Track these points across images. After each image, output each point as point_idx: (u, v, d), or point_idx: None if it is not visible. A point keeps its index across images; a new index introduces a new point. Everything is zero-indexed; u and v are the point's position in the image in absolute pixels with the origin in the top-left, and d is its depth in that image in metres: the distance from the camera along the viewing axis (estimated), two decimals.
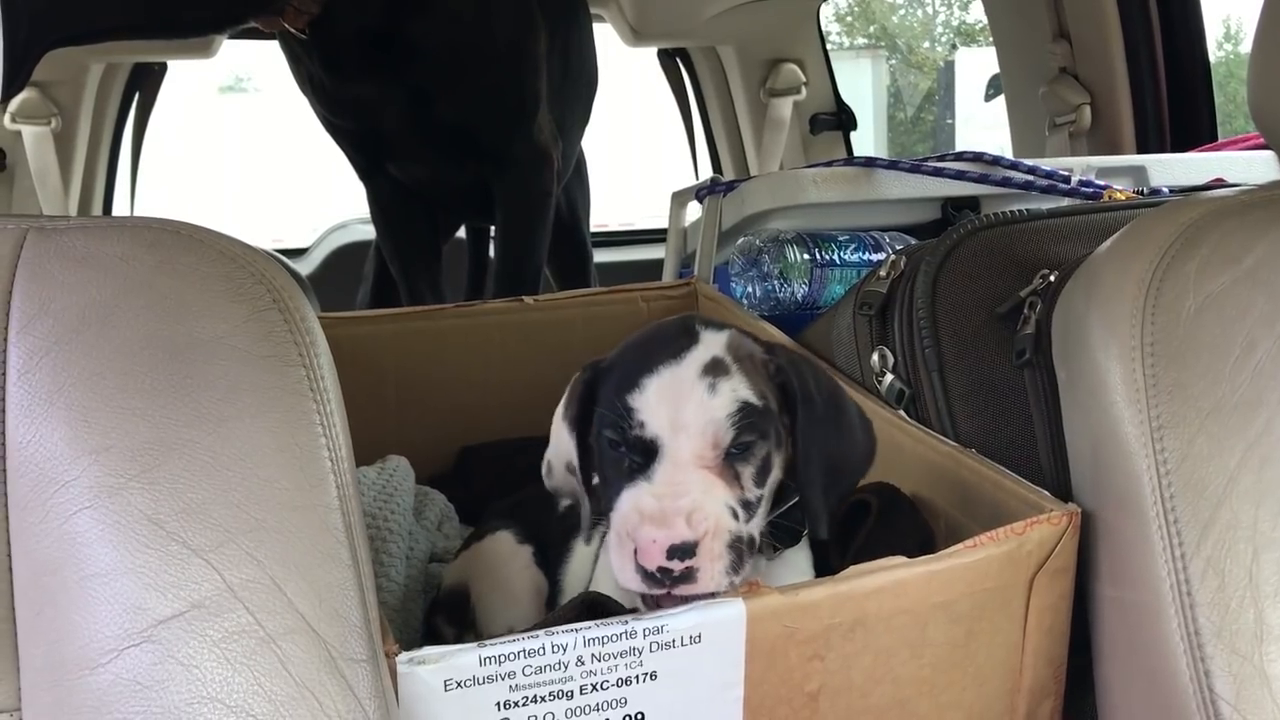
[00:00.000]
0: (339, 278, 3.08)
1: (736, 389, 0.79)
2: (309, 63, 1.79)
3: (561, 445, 0.86)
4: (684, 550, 0.74)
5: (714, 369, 0.79)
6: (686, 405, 0.78)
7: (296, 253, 3.42)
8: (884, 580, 0.77)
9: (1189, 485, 0.77)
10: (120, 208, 3.25)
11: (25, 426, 0.65)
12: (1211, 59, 2.04)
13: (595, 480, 0.84)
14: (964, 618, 0.80)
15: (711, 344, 0.81)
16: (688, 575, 0.75)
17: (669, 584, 0.75)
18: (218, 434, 0.66)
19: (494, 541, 1.06)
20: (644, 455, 0.78)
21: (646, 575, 0.75)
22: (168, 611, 0.63)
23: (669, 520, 0.75)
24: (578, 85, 2.06)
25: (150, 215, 0.75)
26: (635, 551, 0.75)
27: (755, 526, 0.80)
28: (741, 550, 0.77)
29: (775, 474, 0.82)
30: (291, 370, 0.69)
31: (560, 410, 0.87)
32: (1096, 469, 0.84)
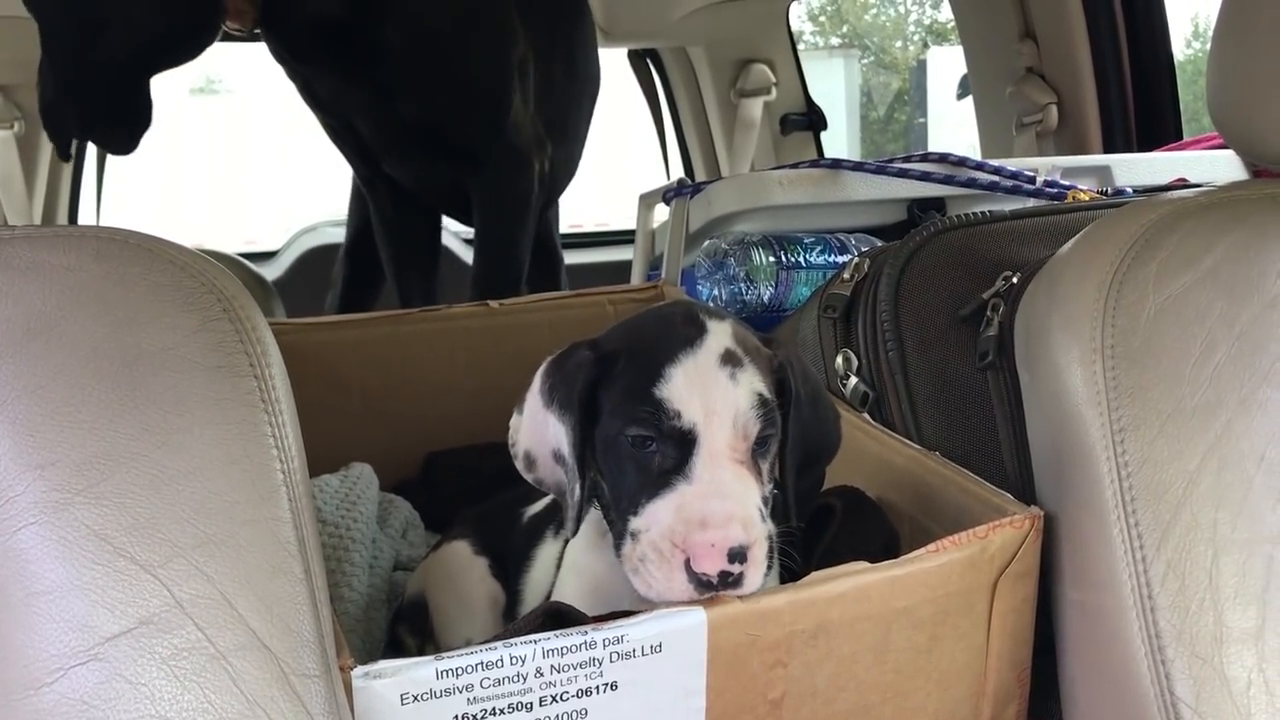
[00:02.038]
0: (309, 280, 3.06)
1: (753, 380, 0.78)
2: (285, 63, 1.78)
3: (548, 434, 0.81)
4: (741, 554, 0.73)
5: (730, 359, 0.78)
6: (713, 392, 0.76)
7: (267, 255, 3.40)
8: (846, 586, 0.77)
9: (1149, 488, 0.77)
10: (86, 212, 3.22)
11: None
12: (1180, 57, 2.06)
13: (599, 482, 0.81)
14: (927, 622, 0.80)
15: (720, 333, 0.79)
16: (739, 580, 0.73)
17: (721, 589, 0.73)
18: (166, 447, 0.65)
19: (451, 552, 1.04)
20: (679, 449, 0.75)
21: (700, 583, 0.73)
22: (115, 629, 0.62)
23: (721, 522, 0.73)
24: (582, 85, 2.06)
25: (115, 220, 0.74)
26: (687, 561, 0.73)
27: (771, 522, 0.78)
28: (773, 548, 0.76)
29: (776, 463, 0.81)
30: (242, 381, 0.68)
31: (541, 395, 0.83)
32: (1058, 472, 0.84)
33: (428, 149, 1.82)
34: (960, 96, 2.67)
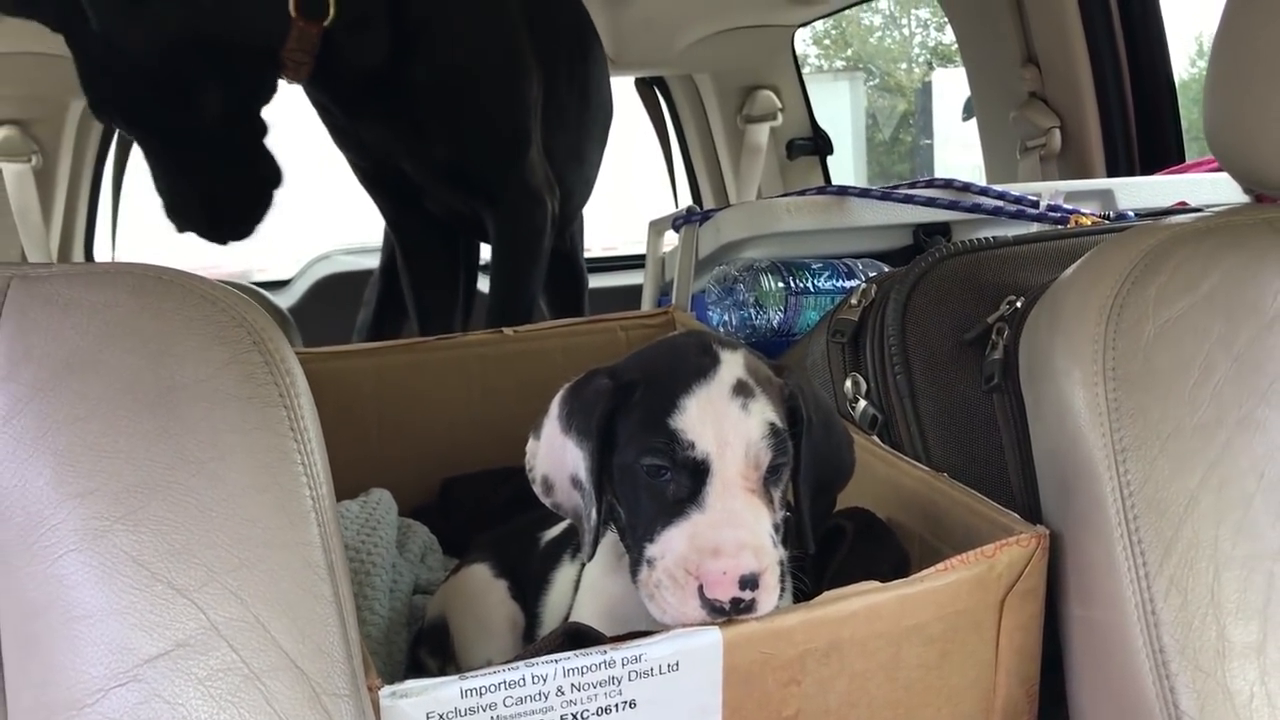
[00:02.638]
0: (323, 309, 3.09)
1: (764, 411, 0.80)
2: (324, 110, 1.85)
3: (566, 459, 0.83)
4: (753, 581, 0.75)
5: (742, 390, 0.80)
6: (725, 423, 0.78)
7: (279, 284, 3.43)
8: (858, 605, 0.79)
9: (1152, 506, 0.79)
10: (102, 243, 3.26)
11: (11, 471, 0.66)
12: (1185, 76, 2.08)
13: (616, 507, 0.83)
14: (937, 640, 0.82)
15: (732, 364, 0.81)
16: (751, 606, 0.76)
17: (734, 614, 0.76)
18: (201, 475, 0.67)
19: (470, 575, 1.07)
20: (692, 478, 0.78)
21: (713, 609, 0.75)
22: (153, 651, 0.64)
23: (733, 550, 0.75)
24: (596, 114, 2.12)
25: (130, 249, 0.77)
26: (700, 587, 0.75)
27: (783, 547, 0.80)
28: (784, 572, 0.78)
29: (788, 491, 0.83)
30: (272, 411, 0.71)
31: (559, 421, 0.85)
32: (1063, 491, 0.86)
33: (454, 186, 1.88)
34: (965, 118, 2.70)
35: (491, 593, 1.03)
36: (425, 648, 1.07)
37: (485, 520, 1.29)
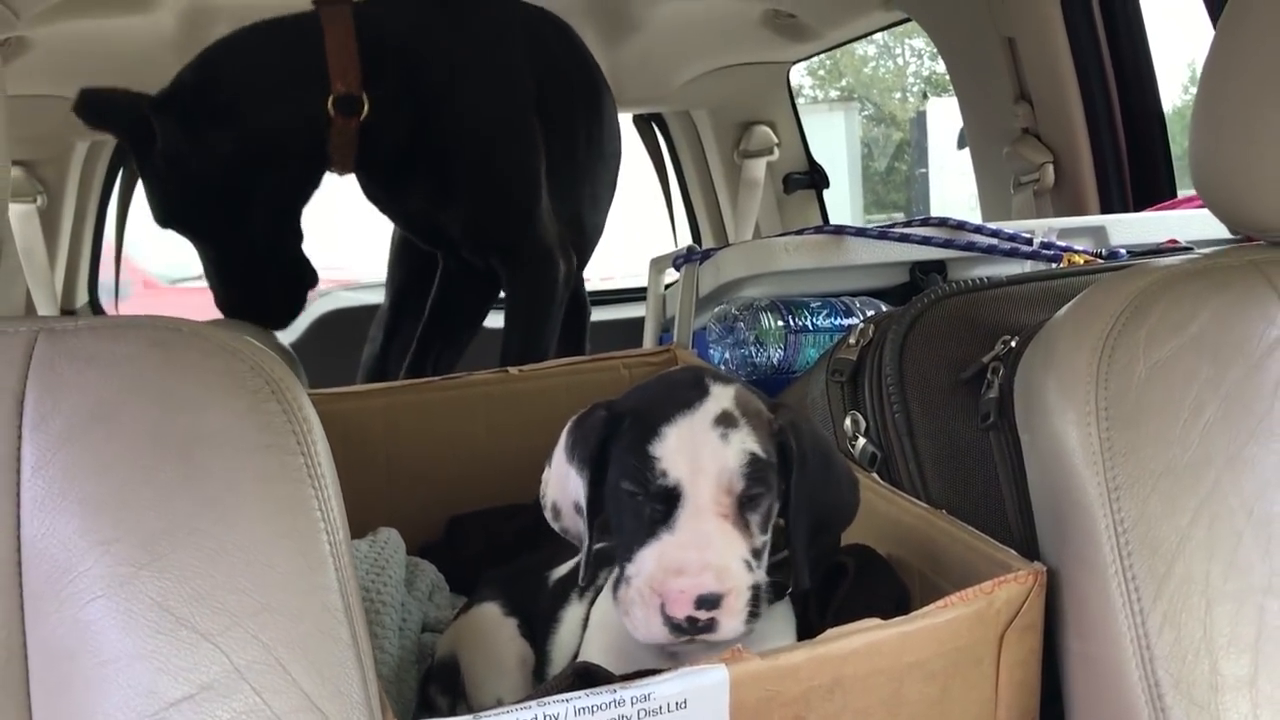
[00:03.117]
0: (324, 346, 3.12)
1: (745, 440, 0.83)
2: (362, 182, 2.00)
3: (569, 486, 0.88)
4: (710, 601, 0.79)
5: (725, 420, 0.83)
6: (703, 451, 0.82)
7: None
8: (860, 642, 0.81)
9: (1145, 543, 0.81)
10: (105, 280, 3.29)
11: (39, 520, 0.69)
12: (1177, 103, 2.12)
13: (604, 529, 0.87)
14: (938, 675, 0.84)
15: (721, 397, 0.85)
16: (711, 625, 0.79)
17: (694, 633, 0.79)
18: (223, 522, 0.70)
19: (481, 613, 1.09)
20: (666, 503, 0.81)
21: (674, 627, 0.79)
22: (178, 694, 0.66)
23: (695, 571, 0.79)
24: (609, 163, 2.19)
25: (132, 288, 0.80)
26: (662, 604, 0.79)
27: (763, 573, 0.84)
28: (759, 597, 0.82)
29: (774, 522, 0.86)
30: (290, 459, 0.73)
31: (564, 450, 0.89)
32: (1059, 528, 0.89)
33: (469, 246, 1.99)
34: (961, 147, 2.73)
35: (502, 631, 1.05)
36: (436, 685, 1.08)
37: (492, 558, 1.31)
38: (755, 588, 0.81)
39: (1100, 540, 0.83)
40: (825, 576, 1.00)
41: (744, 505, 0.83)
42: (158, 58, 2.52)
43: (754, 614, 0.81)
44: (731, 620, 0.80)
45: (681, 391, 0.85)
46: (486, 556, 1.32)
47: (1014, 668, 0.87)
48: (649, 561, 0.81)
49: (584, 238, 2.11)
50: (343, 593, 0.72)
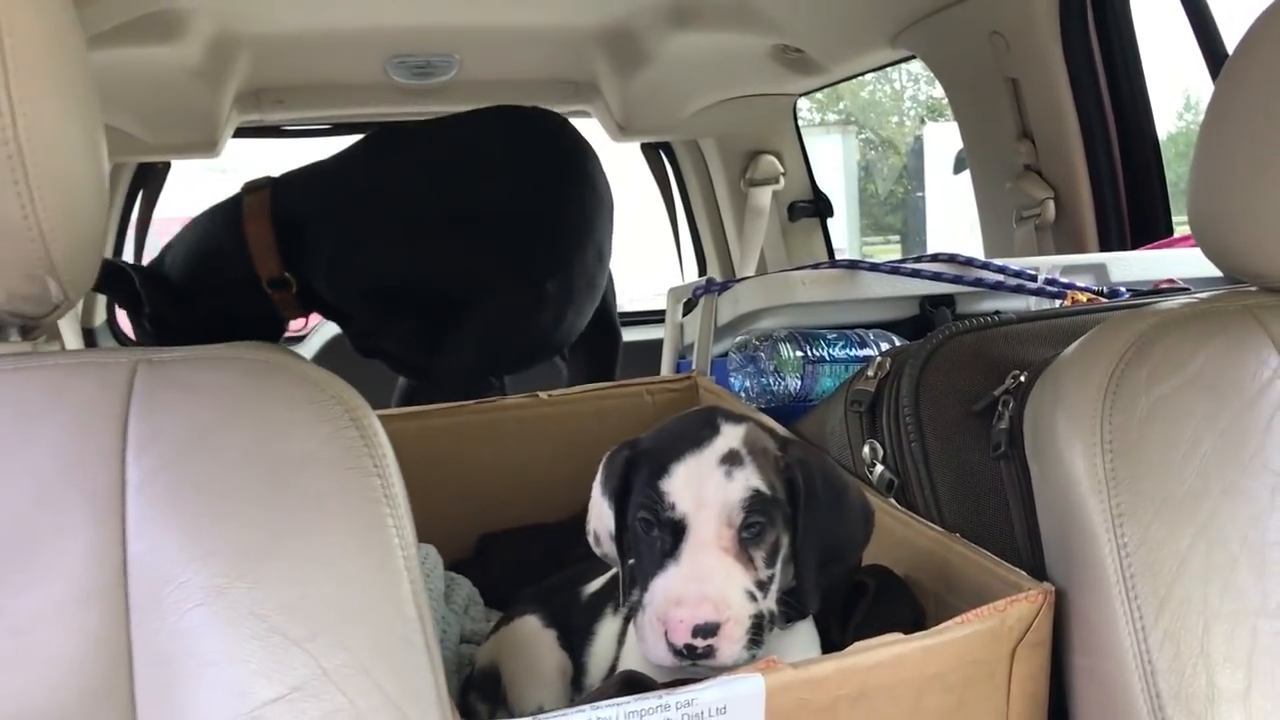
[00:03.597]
0: (333, 366, 3.17)
1: (749, 478, 0.90)
2: None
3: (604, 517, 0.96)
4: (707, 629, 0.86)
5: (730, 459, 0.91)
6: (707, 487, 0.89)
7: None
8: (885, 655, 0.88)
9: (1147, 567, 0.88)
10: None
11: (144, 535, 0.75)
12: (1172, 129, 2.19)
13: (630, 558, 0.95)
14: (955, 687, 0.91)
15: (730, 436, 0.93)
16: (709, 652, 0.86)
17: (694, 659, 0.86)
18: (310, 537, 0.76)
19: (522, 625, 1.15)
20: (673, 535, 0.89)
21: (675, 651, 0.86)
22: (271, 695, 0.72)
23: (694, 601, 0.86)
24: (594, 216, 2.22)
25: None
26: (665, 631, 0.86)
27: (771, 601, 0.91)
28: (761, 625, 0.88)
29: (784, 554, 0.93)
30: (368, 480, 0.80)
31: (599, 485, 0.98)
32: (1066, 551, 0.95)
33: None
34: (957, 171, 2.80)
35: (542, 642, 1.12)
36: (476, 693, 1.15)
37: (520, 574, 1.37)
38: (758, 617, 0.88)
39: (1105, 563, 0.89)
40: (846, 594, 1.07)
41: (746, 539, 0.90)
42: (183, 86, 2.61)
43: (755, 641, 0.88)
44: (729, 647, 0.87)
45: (694, 430, 0.93)
46: (516, 573, 1.38)
47: (1025, 680, 0.94)
48: (658, 591, 0.88)
49: (599, 282, 2.20)
50: (416, 603, 0.78)
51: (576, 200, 2.10)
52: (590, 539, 0.99)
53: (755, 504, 0.90)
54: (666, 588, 0.88)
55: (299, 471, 0.78)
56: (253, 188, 2.10)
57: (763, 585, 0.90)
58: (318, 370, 0.83)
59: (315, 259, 2.06)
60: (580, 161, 2.14)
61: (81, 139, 0.79)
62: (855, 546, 0.99)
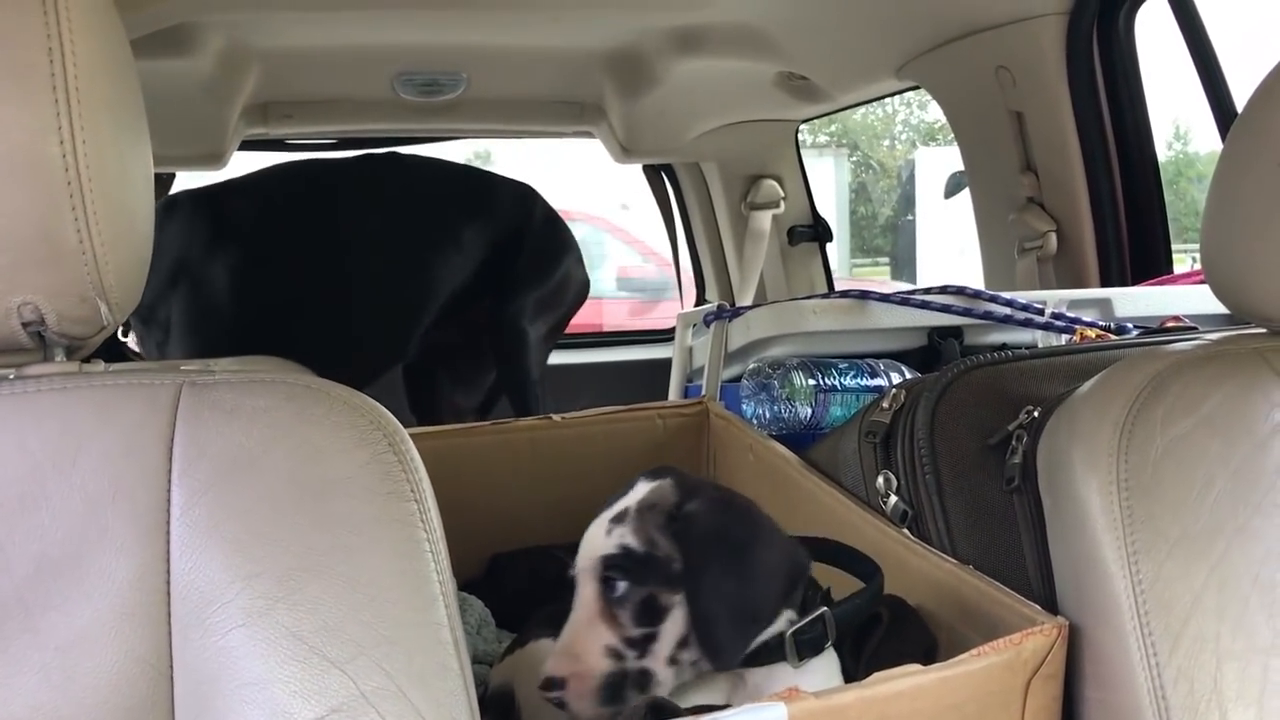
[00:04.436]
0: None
1: (622, 535, 0.94)
2: None
3: None
4: (554, 683, 0.91)
5: (618, 517, 0.95)
6: (590, 545, 0.95)
7: None
8: (904, 685, 0.89)
9: (1161, 603, 0.90)
10: None
11: (187, 556, 0.77)
12: (1162, 158, 2.23)
13: None
14: (972, 718, 0.92)
15: (634, 495, 0.97)
16: (560, 702, 0.91)
17: (558, 706, 0.92)
18: (350, 561, 0.78)
19: (538, 648, 1.17)
20: (573, 589, 0.96)
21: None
22: (310, 716, 0.74)
23: (556, 654, 0.93)
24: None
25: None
26: None
27: (652, 660, 0.92)
28: (622, 684, 0.91)
29: (674, 613, 0.93)
30: (405, 505, 0.82)
31: None
32: (1080, 587, 0.97)
33: None
34: (948, 196, 2.84)
35: None
36: (490, 714, 1.16)
37: (531, 595, 1.38)
38: (616, 675, 0.91)
39: (1120, 599, 0.92)
40: (861, 625, 1.09)
41: (611, 598, 0.92)
42: (192, 99, 2.62)
43: (611, 699, 0.90)
44: (576, 702, 0.91)
45: (619, 492, 0.98)
46: (528, 594, 1.40)
47: (1038, 712, 0.95)
48: None
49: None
50: (451, 627, 0.80)
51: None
52: None
53: (616, 560, 0.93)
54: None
55: (339, 495, 0.80)
56: None
57: (633, 643, 0.92)
58: (357, 395, 0.85)
59: None
60: None
61: (135, 165, 0.81)
62: (769, 602, 0.96)
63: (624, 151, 3.11)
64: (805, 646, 0.96)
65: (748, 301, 3.27)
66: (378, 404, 0.86)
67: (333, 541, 0.78)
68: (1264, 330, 1.05)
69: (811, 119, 3.19)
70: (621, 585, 0.92)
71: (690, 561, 0.93)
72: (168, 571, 0.77)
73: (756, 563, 0.96)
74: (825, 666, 0.99)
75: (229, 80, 2.62)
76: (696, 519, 0.95)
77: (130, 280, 0.81)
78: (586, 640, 0.91)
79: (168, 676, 0.76)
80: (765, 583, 0.96)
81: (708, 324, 1.68)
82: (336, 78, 2.78)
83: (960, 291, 1.62)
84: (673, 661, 0.93)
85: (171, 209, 2.46)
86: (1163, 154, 2.26)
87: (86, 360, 0.86)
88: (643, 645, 0.92)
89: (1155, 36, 2.01)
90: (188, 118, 2.75)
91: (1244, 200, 1.01)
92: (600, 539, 0.94)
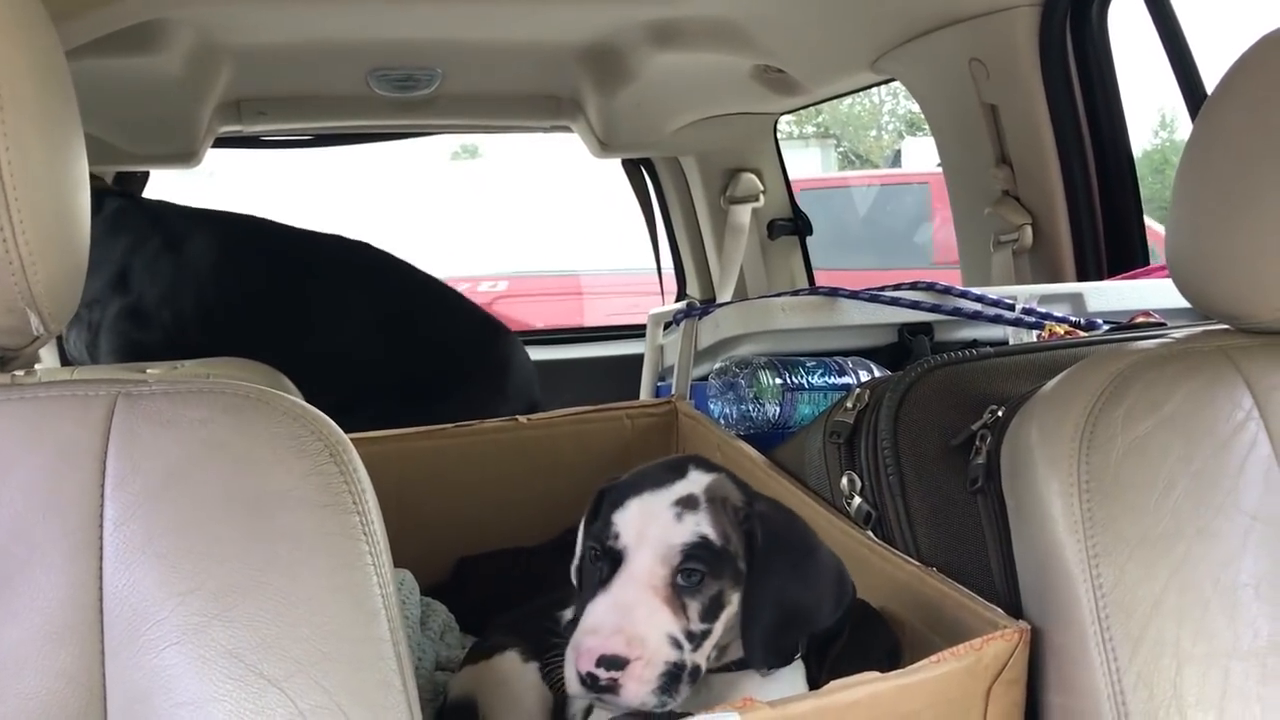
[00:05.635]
0: None
1: (699, 523, 0.90)
2: None
3: (576, 548, 0.98)
4: (612, 662, 0.85)
5: (686, 502, 0.91)
6: (652, 524, 0.90)
7: None
8: (860, 694, 0.88)
9: (1121, 607, 0.89)
10: None
11: (121, 572, 0.75)
12: (1147, 145, 2.22)
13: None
14: None
15: (695, 482, 0.93)
16: (612, 686, 0.85)
17: (596, 691, 0.85)
18: (288, 576, 0.76)
19: (502, 660, 1.15)
20: (611, 566, 0.89)
21: (580, 679, 0.86)
22: None
23: (608, 632, 0.86)
24: None
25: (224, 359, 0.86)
26: (576, 657, 0.86)
27: (701, 656, 0.90)
28: (679, 676, 0.87)
29: (730, 611, 0.91)
30: (347, 517, 0.80)
31: (583, 519, 0.98)
32: (1042, 590, 0.96)
33: None
34: None
35: (524, 676, 1.12)
36: None
37: (498, 599, 1.37)
38: (676, 666, 0.87)
39: (1081, 603, 0.90)
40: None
41: (683, 585, 0.89)
42: (164, 96, 2.59)
43: (668, 691, 0.86)
44: (636, 687, 0.85)
45: (663, 473, 0.94)
46: (494, 598, 1.38)
47: (999, 718, 0.94)
48: (582, 618, 0.89)
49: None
50: (394, 642, 0.78)
51: None
52: (573, 573, 1.00)
53: (697, 550, 0.89)
54: (589, 614, 0.88)
55: (277, 508, 0.78)
56: None
57: (692, 636, 0.89)
58: (298, 404, 0.83)
59: None
60: None
61: (65, 172, 0.79)
62: (822, 613, 0.96)
63: (602, 146, 3.08)
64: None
65: (728, 296, 3.25)
66: (321, 414, 0.85)
67: (269, 556, 0.76)
68: (1228, 327, 1.04)
69: (789, 112, 3.17)
70: (698, 576, 0.89)
71: (756, 562, 0.92)
72: (100, 589, 0.75)
73: (822, 569, 0.96)
74: (790, 674, 0.98)
75: (200, 77, 2.59)
76: (767, 520, 0.94)
77: (63, 290, 0.79)
78: (648, 624, 0.86)
79: (100, 696, 0.74)
80: (828, 591, 0.96)
81: (677, 322, 1.66)
82: (310, 74, 2.75)
83: (930, 287, 1.60)
84: (709, 659, 0.91)
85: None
86: (1150, 142, 2.25)
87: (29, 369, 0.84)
88: (700, 639, 0.89)
89: (1139, 23, 1.99)
90: (159, 115, 2.72)
91: (1207, 198, 1.00)
92: (669, 522, 0.89)
